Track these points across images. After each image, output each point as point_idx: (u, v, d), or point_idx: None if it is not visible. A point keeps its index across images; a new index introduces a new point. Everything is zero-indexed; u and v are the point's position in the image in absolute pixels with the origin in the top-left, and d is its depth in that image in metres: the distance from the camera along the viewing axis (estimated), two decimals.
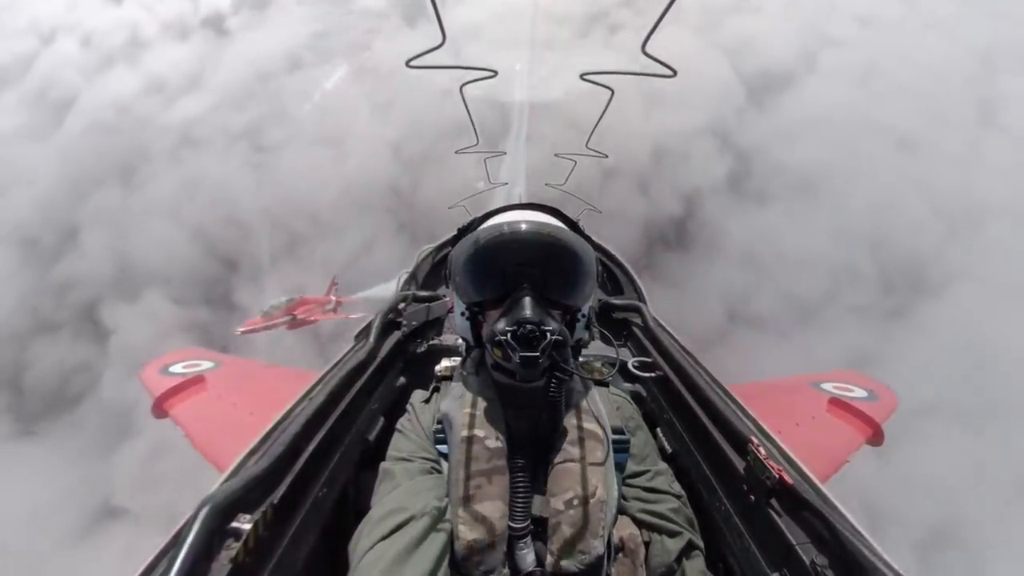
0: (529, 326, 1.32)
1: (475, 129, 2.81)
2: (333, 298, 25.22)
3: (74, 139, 33.74)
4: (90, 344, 27.32)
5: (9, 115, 35.16)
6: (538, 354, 1.32)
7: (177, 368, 3.18)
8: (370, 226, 31.06)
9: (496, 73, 1.83)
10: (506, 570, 1.29)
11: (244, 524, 1.13)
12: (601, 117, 2.33)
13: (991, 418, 21.40)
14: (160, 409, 2.89)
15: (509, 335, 1.33)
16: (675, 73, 1.55)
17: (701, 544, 1.41)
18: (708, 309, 27.31)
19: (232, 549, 1.08)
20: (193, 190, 31.70)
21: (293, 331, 23.75)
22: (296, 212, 31.16)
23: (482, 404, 1.47)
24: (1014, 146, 28.62)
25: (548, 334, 1.33)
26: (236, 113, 34.65)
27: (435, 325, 2.91)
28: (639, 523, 1.44)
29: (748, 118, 32.02)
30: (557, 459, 1.39)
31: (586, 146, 3.09)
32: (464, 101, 2.17)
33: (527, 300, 1.39)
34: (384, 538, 1.21)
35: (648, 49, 1.47)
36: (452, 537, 1.29)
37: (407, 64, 1.65)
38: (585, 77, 1.91)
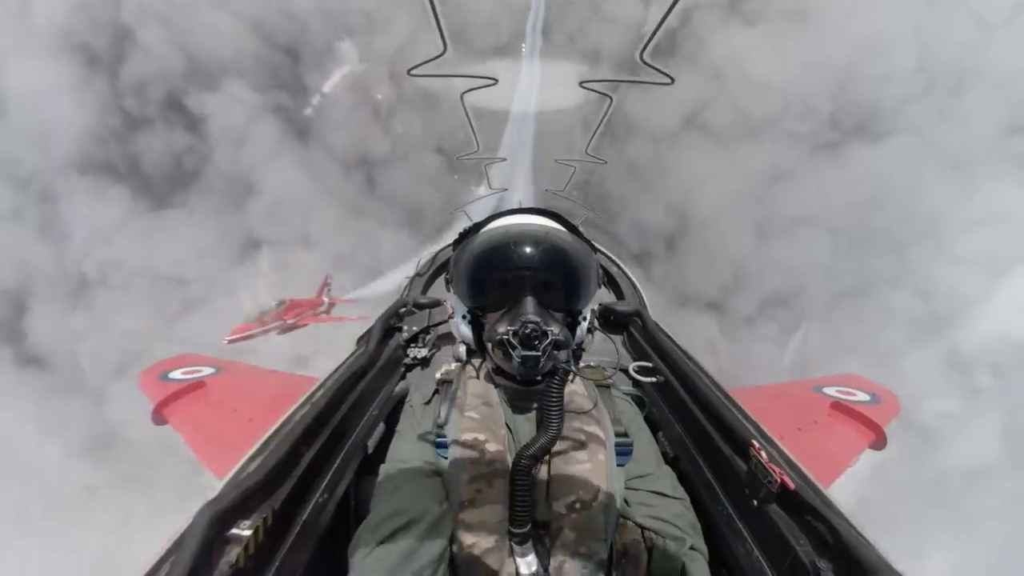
0: (530, 326, 1.34)
1: (475, 136, 2.87)
2: (325, 299, 24.45)
3: None
4: (187, 131, 29.02)
5: None
6: (539, 354, 1.33)
7: (176, 375, 3.15)
8: (409, 21, 30.15)
9: (496, 80, 1.88)
10: (507, 575, 1.27)
11: (244, 530, 1.12)
12: (600, 123, 2.38)
13: (860, 243, 24.49)
14: (159, 416, 2.85)
15: (510, 335, 1.35)
16: (672, 80, 1.60)
17: (704, 548, 1.39)
18: (667, 111, 28.96)
19: (233, 555, 1.08)
20: None
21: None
22: (345, 7, 30.87)
23: (483, 408, 1.47)
24: None
25: (549, 334, 1.34)
26: None
27: (435, 330, 2.93)
28: (642, 527, 1.41)
29: None
30: (560, 463, 1.38)
31: (586, 151, 3.14)
32: (465, 109, 2.22)
33: (528, 300, 1.41)
34: (383, 542, 1.21)
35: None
36: (452, 541, 1.28)
37: (409, 73, 1.70)
38: (585, 84, 1.97)
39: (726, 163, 27.54)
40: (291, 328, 22.67)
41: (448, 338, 2.89)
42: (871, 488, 18.86)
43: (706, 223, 27.44)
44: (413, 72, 1.67)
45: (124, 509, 20.96)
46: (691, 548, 1.36)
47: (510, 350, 1.37)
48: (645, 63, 1.58)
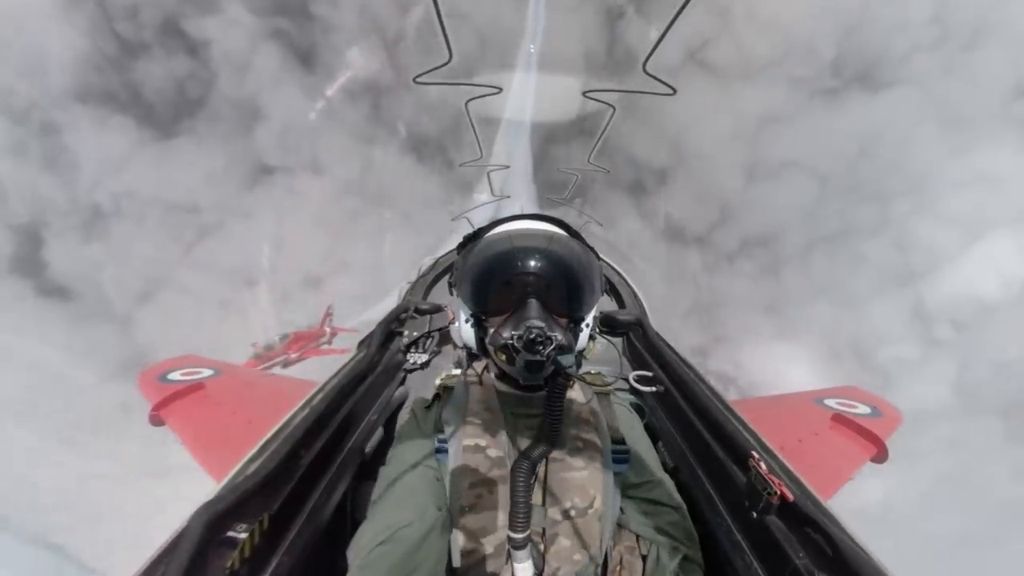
0: (534, 330, 1.32)
1: (479, 143, 2.79)
2: (328, 329, 23.95)
3: None
4: (188, 56, 27.86)
5: None
6: (543, 358, 1.32)
7: (175, 376, 3.16)
8: None
9: (500, 89, 1.81)
10: None
11: (240, 533, 1.12)
12: (603, 133, 2.31)
13: (845, 192, 24.70)
14: (157, 417, 2.88)
15: (514, 339, 1.34)
16: (675, 91, 1.53)
17: (700, 558, 1.41)
18: (670, 44, 27.39)
19: (228, 559, 1.08)
20: None
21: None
22: None
23: (484, 413, 1.48)
24: None
25: (553, 339, 1.33)
26: None
27: (436, 336, 2.93)
28: (638, 535, 1.44)
29: None
30: (557, 469, 1.40)
31: (588, 160, 3.08)
32: (469, 117, 2.15)
33: (533, 304, 1.40)
34: (382, 544, 1.23)
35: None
36: (450, 545, 1.31)
37: (414, 80, 1.64)
38: (588, 94, 1.90)
39: (723, 102, 26.65)
40: (294, 362, 22.20)
41: (449, 343, 2.90)
42: None
43: (698, 160, 26.99)
44: (419, 80, 1.59)
45: None
46: (686, 558, 1.38)
47: (514, 354, 1.36)
48: (648, 74, 1.50)
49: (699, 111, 26.78)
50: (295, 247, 25.20)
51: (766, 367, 23.07)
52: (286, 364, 21.61)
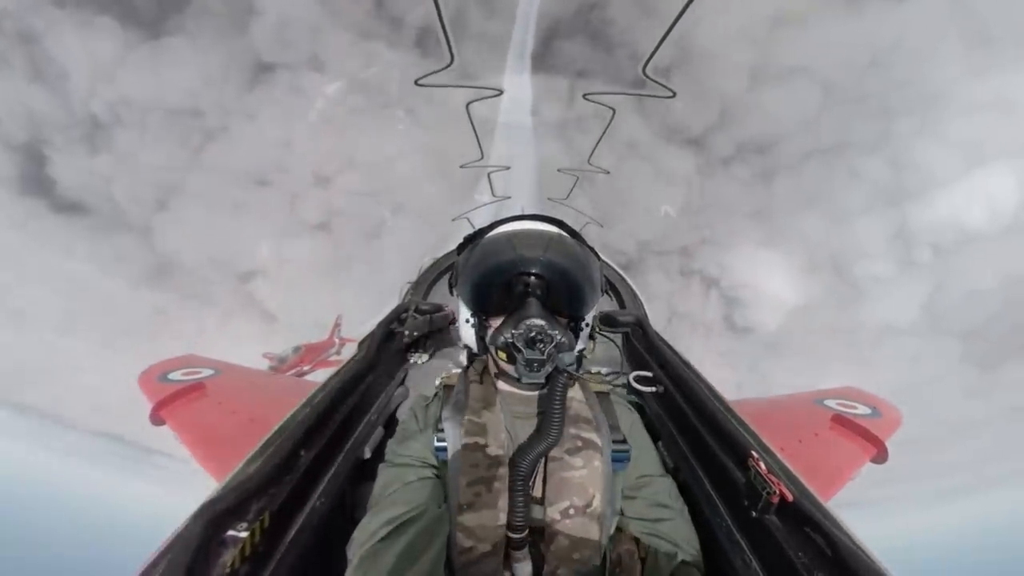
0: (535, 329, 1.33)
1: (479, 144, 2.65)
2: (337, 340, 23.26)
3: None
4: None
5: None
6: (543, 357, 1.33)
7: (176, 375, 3.17)
8: None
9: (502, 91, 1.69)
10: None
11: (240, 532, 1.14)
12: (603, 135, 2.19)
13: (849, 103, 23.33)
14: (157, 416, 2.88)
15: (514, 337, 1.35)
16: (674, 94, 1.42)
17: (700, 559, 1.42)
18: None
19: (228, 557, 1.09)
20: None
21: None
22: None
23: (484, 412, 1.48)
24: None
25: (553, 337, 1.33)
26: None
27: (437, 336, 2.91)
28: (637, 536, 1.46)
29: None
30: (556, 468, 1.40)
31: (588, 162, 2.95)
32: (471, 119, 2.02)
33: (532, 303, 1.39)
34: (381, 540, 1.25)
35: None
36: (449, 543, 1.33)
37: (416, 83, 1.53)
38: (588, 97, 1.77)
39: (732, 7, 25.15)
40: (306, 374, 21.54)
41: (449, 343, 2.89)
42: (796, 320, 21.88)
43: (704, 59, 25.59)
44: (420, 82, 1.48)
45: (196, 321, 22.85)
46: (686, 559, 1.39)
47: (514, 352, 1.36)
48: (647, 77, 1.39)
49: (710, 6, 25.36)
50: (302, 146, 24.15)
51: (749, 271, 23.53)
52: (297, 376, 21.41)
